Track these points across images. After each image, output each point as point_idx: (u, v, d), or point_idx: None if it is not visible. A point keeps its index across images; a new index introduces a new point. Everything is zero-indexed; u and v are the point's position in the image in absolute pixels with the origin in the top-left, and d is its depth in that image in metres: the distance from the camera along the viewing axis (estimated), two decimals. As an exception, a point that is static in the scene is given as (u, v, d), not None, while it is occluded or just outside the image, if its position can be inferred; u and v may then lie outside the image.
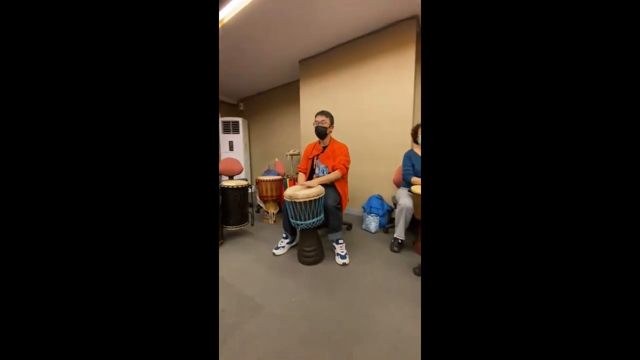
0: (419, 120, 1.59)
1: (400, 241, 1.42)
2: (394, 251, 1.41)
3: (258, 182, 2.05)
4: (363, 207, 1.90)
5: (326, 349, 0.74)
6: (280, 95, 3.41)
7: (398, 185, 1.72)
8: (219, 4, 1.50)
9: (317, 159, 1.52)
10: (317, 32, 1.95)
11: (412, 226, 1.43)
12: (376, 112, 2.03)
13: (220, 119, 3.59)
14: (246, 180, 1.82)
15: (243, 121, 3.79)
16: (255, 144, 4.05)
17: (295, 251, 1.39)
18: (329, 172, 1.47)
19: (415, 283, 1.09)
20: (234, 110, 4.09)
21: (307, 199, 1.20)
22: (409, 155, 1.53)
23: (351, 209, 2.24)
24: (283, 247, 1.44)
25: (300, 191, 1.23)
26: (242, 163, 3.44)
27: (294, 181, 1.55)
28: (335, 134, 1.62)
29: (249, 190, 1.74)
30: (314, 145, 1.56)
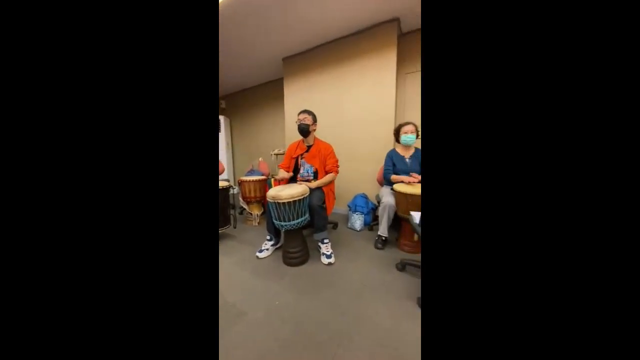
0: (400, 121, 1.64)
1: (384, 238, 1.45)
2: (378, 248, 1.45)
3: (240, 183, 1.98)
4: (348, 206, 1.92)
5: (310, 351, 0.73)
6: (263, 93, 3.32)
7: (381, 184, 1.76)
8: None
9: (302, 158, 1.50)
10: (300, 31, 1.92)
11: (395, 223, 1.47)
12: (360, 112, 2.06)
13: (200, 117, 3.39)
14: (228, 181, 1.74)
15: (225, 119, 3.63)
16: (238, 143, 3.91)
17: (280, 253, 1.36)
18: (315, 172, 1.47)
19: (398, 278, 1.12)
20: (214, 107, 3.90)
21: (291, 199, 1.17)
22: (390, 155, 1.57)
23: (337, 208, 2.25)
24: (267, 249, 1.40)
25: (283, 191, 1.20)
26: (224, 163, 3.30)
27: (280, 182, 1.51)
28: (320, 133, 1.62)
29: (231, 192, 1.67)
30: (298, 144, 1.53)
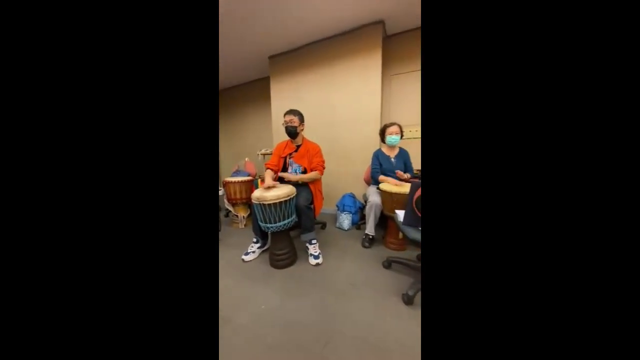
0: (386, 121, 1.67)
1: (371, 237, 1.47)
2: (365, 247, 1.47)
3: (225, 184, 1.91)
4: (337, 206, 1.93)
5: (296, 355, 0.72)
6: (249, 92, 3.24)
7: (368, 184, 1.78)
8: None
9: (290, 158, 1.48)
10: (285, 30, 1.89)
11: (381, 222, 1.50)
12: (347, 112, 2.08)
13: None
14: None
15: (209, 118, 3.49)
16: (223, 143, 3.78)
17: (267, 255, 1.33)
18: (303, 172, 1.45)
19: (384, 276, 1.14)
20: (198, 105, 3.74)
21: (277, 200, 1.15)
22: (377, 155, 1.60)
23: (325, 208, 2.25)
24: (253, 252, 1.36)
25: (269, 192, 1.18)
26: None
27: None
28: (308, 133, 1.60)
29: (215, 193, 1.60)
30: (286, 144, 1.51)
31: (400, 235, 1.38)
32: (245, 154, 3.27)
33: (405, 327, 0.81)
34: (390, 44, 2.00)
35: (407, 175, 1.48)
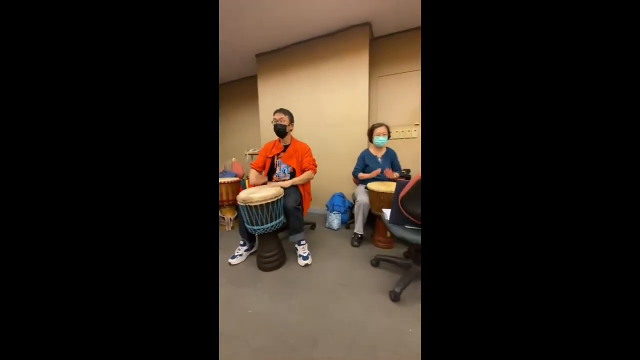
0: (374, 121, 1.69)
1: (359, 236, 1.49)
2: (354, 246, 1.48)
3: (211, 185, 1.84)
4: (326, 205, 1.93)
5: (286, 356, 0.70)
6: (236, 90, 3.15)
7: (357, 183, 1.80)
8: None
9: (278, 158, 1.45)
10: (273, 29, 1.86)
11: (370, 221, 1.52)
12: (335, 112, 2.08)
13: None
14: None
15: (193, 117, 3.35)
16: (209, 143, 3.64)
17: (254, 258, 1.30)
18: (291, 172, 1.44)
19: (373, 274, 1.16)
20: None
21: (264, 202, 1.13)
22: (363, 155, 1.63)
23: (315, 208, 2.25)
24: (240, 255, 1.33)
25: (256, 193, 1.15)
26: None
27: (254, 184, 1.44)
28: (296, 133, 1.59)
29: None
30: (274, 144, 1.48)
31: (388, 233, 1.40)
32: (232, 154, 3.18)
33: (391, 325, 0.82)
34: (376, 46, 2.03)
35: (395, 175, 1.51)
